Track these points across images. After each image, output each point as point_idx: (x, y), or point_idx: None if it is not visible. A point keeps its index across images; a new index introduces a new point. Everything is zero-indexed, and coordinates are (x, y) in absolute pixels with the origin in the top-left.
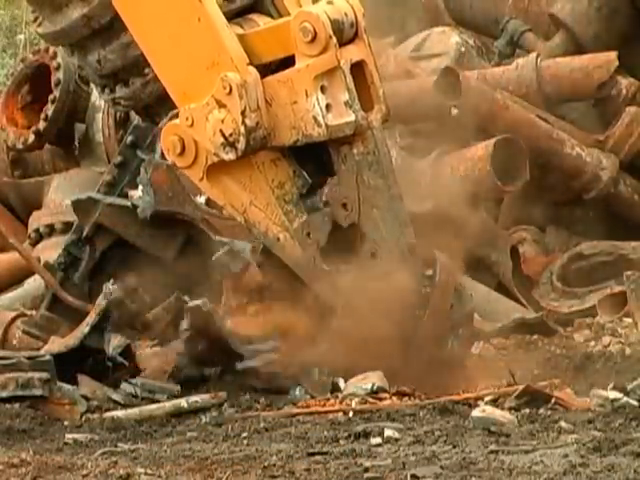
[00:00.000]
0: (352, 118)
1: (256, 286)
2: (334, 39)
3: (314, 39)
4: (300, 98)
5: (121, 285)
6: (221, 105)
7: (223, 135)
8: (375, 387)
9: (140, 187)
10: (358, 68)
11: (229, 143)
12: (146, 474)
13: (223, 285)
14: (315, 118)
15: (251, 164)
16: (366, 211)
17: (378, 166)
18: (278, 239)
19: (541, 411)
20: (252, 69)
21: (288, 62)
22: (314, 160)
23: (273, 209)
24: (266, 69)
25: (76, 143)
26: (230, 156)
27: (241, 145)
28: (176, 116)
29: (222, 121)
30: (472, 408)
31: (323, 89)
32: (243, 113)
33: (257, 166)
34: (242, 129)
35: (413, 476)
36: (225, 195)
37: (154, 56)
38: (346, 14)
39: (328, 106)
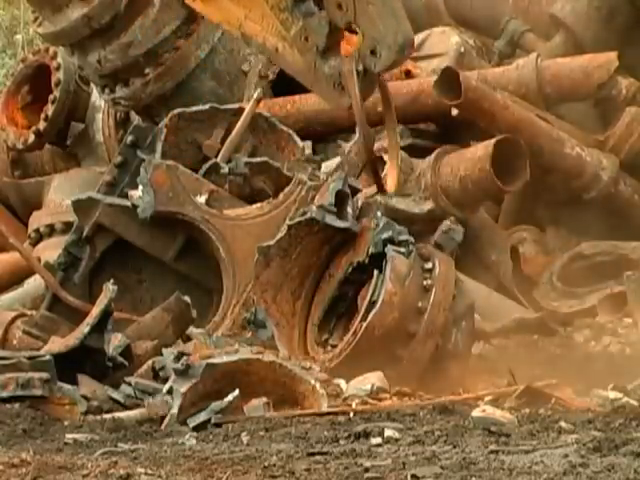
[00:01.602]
0: None
1: None
2: None
3: None
4: None
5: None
6: None
7: None
8: (375, 388)
9: (140, 187)
10: None
11: None
12: (146, 474)
13: None
14: None
15: None
16: (361, 8)
17: None
18: (277, 49)
19: (541, 411)
20: None
21: None
22: None
23: (268, 20)
24: None
25: (68, 142)
26: None
27: None
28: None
29: None
30: (472, 408)
31: None
32: None
33: None
34: None
35: (413, 476)
36: (219, 12)
37: None
38: None
39: None
